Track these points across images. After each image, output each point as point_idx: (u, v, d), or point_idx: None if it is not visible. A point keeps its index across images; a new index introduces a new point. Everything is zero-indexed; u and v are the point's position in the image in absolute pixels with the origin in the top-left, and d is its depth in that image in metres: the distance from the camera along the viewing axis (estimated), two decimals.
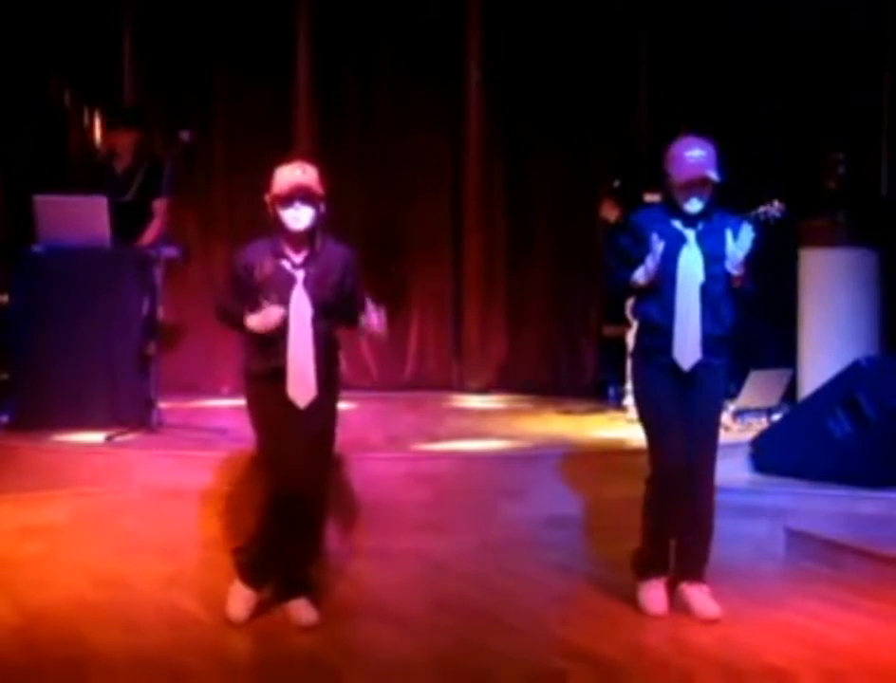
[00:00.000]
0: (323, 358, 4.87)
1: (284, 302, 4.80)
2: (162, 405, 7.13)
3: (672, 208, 5.07)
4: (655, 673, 4.67)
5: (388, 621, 5.10)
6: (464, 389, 9.62)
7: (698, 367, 5.02)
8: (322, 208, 4.86)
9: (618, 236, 5.25)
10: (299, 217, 4.82)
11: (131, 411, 7.06)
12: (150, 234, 7.57)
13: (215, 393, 8.92)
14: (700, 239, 5.03)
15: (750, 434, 7.00)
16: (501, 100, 9.55)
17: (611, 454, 6.80)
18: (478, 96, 9.56)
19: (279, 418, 4.85)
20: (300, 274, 4.85)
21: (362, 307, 4.94)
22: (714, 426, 5.16)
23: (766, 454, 6.74)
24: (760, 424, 7.35)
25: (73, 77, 9.23)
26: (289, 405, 4.84)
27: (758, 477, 6.69)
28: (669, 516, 5.09)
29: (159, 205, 7.51)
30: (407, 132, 9.59)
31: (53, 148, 8.99)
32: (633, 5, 9.31)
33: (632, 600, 5.18)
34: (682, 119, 8.07)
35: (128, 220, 7.45)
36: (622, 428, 7.52)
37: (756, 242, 5.02)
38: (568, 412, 8.29)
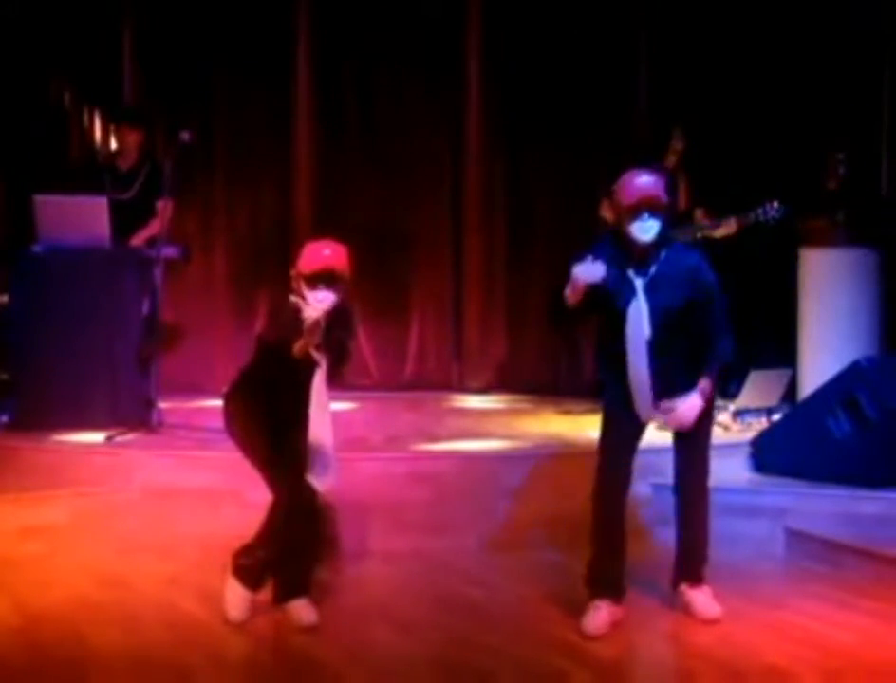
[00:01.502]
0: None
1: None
2: (162, 405, 7.13)
3: (625, 249, 4.88)
4: (655, 673, 4.68)
5: (388, 621, 5.11)
6: (464, 389, 9.62)
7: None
8: (344, 291, 4.91)
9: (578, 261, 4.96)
10: (322, 300, 4.84)
11: (131, 411, 7.06)
12: (147, 231, 7.57)
13: (215, 393, 8.87)
14: (650, 290, 4.85)
15: (750, 434, 7.00)
16: (501, 100, 9.54)
17: None
18: (478, 96, 9.55)
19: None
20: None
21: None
22: (702, 435, 5.05)
23: (766, 454, 6.74)
24: (760, 424, 7.34)
25: (73, 77, 9.23)
26: (297, 409, 4.89)
27: (758, 477, 6.68)
28: (615, 533, 5.01)
29: (162, 205, 7.51)
30: (407, 132, 9.58)
31: (53, 148, 8.99)
32: (633, 5, 9.31)
33: (632, 600, 5.18)
34: (682, 118, 8.09)
35: (128, 218, 7.46)
36: None
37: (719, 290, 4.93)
38: (567, 412, 8.28)
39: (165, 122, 9.00)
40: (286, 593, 5.03)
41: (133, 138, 7.83)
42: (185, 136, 7.01)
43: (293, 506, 4.89)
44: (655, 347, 4.85)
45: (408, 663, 4.66)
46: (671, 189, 4.86)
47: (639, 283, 4.87)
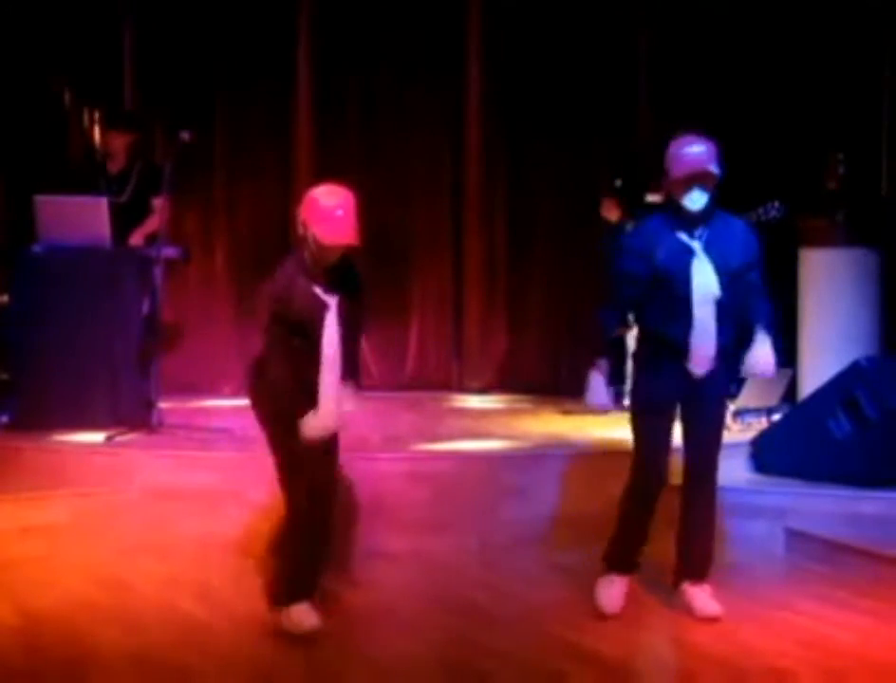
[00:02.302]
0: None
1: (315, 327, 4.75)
2: (162, 405, 7.13)
3: (674, 214, 4.97)
4: (655, 673, 4.68)
5: (389, 621, 5.11)
6: (464, 389, 9.62)
7: (707, 373, 5.00)
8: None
9: (621, 259, 5.07)
10: (336, 255, 4.77)
11: (131, 411, 7.05)
12: (148, 227, 7.56)
13: (216, 393, 8.92)
14: (708, 249, 4.93)
15: (750, 434, 7.00)
16: (501, 99, 9.54)
17: (611, 454, 6.77)
18: (478, 96, 9.55)
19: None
20: (332, 302, 4.79)
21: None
22: (717, 429, 5.15)
23: (766, 454, 6.74)
24: (760, 424, 7.34)
25: (73, 77, 9.22)
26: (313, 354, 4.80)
27: (758, 477, 6.68)
28: (643, 525, 5.15)
29: (158, 203, 7.50)
30: (408, 132, 9.58)
31: (53, 148, 8.99)
32: (633, 5, 9.31)
33: (633, 600, 5.19)
34: (683, 118, 8.08)
35: (124, 221, 7.45)
36: (622, 428, 7.51)
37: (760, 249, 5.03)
38: (568, 412, 8.27)
39: (165, 122, 9.00)
40: (290, 596, 4.94)
41: (120, 142, 7.80)
42: (185, 136, 7.01)
43: (305, 514, 4.81)
44: (721, 308, 4.91)
45: (408, 663, 4.66)
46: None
47: (696, 244, 4.93)
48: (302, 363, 4.75)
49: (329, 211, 4.75)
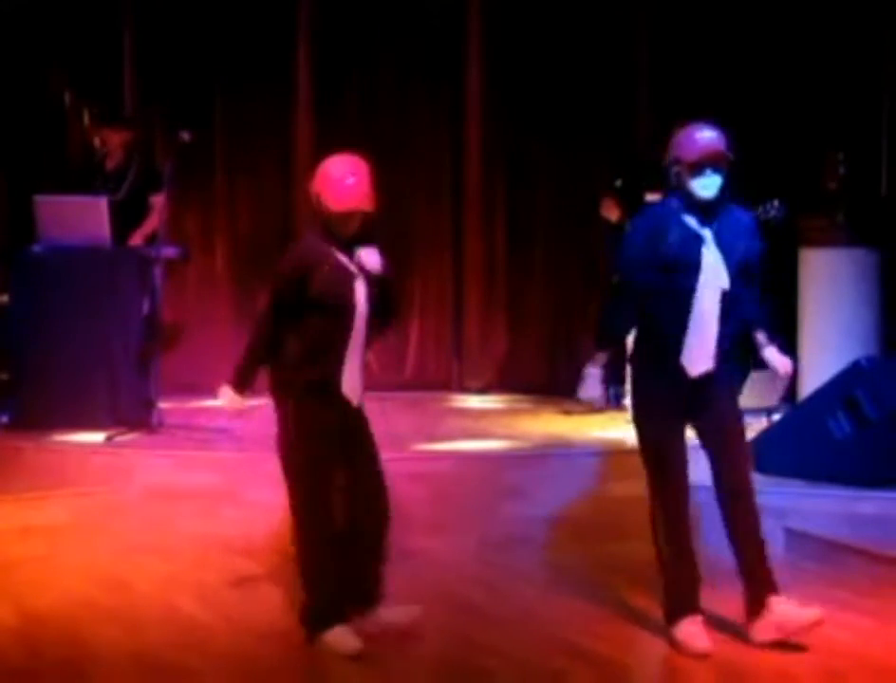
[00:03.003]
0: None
1: (346, 299, 4.62)
2: (162, 405, 7.13)
3: (683, 201, 4.73)
4: (655, 672, 4.68)
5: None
6: (464, 389, 9.62)
7: (706, 376, 4.74)
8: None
9: (628, 245, 4.81)
10: (353, 225, 4.68)
11: (131, 411, 7.06)
12: (148, 226, 7.56)
13: (216, 393, 8.89)
14: (718, 239, 4.72)
15: (750, 434, 6.99)
16: (501, 100, 9.54)
17: (611, 454, 6.79)
18: (479, 97, 9.55)
19: (334, 429, 4.70)
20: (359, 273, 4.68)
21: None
22: (738, 434, 4.89)
23: (766, 454, 6.73)
24: (760, 424, 7.34)
25: (73, 77, 9.22)
26: (343, 414, 4.71)
27: (758, 477, 6.64)
28: (687, 546, 4.78)
29: (156, 200, 7.50)
30: (408, 133, 9.59)
31: (53, 148, 8.99)
32: (633, 5, 9.31)
33: (634, 600, 5.18)
34: (683, 118, 8.06)
35: (121, 219, 7.44)
36: (621, 428, 7.52)
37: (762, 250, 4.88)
38: (568, 412, 8.28)
39: (165, 122, 9.00)
40: (323, 622, 4.71)
41: (116, 139, 7.79)
42: (185, 135, 7.02)
43: (313, 537, 4.69)
44: (727, 301, 4.71)
45: (408, 663, 4.66)
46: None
47: (706, 233, 4.71)
48: (320, 344, 4.61)
49: (340, 178, 4.65)
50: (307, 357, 4.65)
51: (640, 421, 4.87)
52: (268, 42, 9.34)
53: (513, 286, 9.66)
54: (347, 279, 4.67)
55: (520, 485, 6.41)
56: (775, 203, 7.30)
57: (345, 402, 4.71)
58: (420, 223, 9.67)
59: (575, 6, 9.31)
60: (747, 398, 7.47)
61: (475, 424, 7.91)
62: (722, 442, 4.82)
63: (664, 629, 4.80)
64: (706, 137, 4.75)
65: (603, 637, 4.87)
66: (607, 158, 8.88)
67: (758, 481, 6.56)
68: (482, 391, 9.56)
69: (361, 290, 4.70)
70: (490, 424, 7.90)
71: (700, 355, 4.72)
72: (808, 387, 7.50)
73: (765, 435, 6.86)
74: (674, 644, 4.72)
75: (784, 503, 6.28)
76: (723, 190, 4.74)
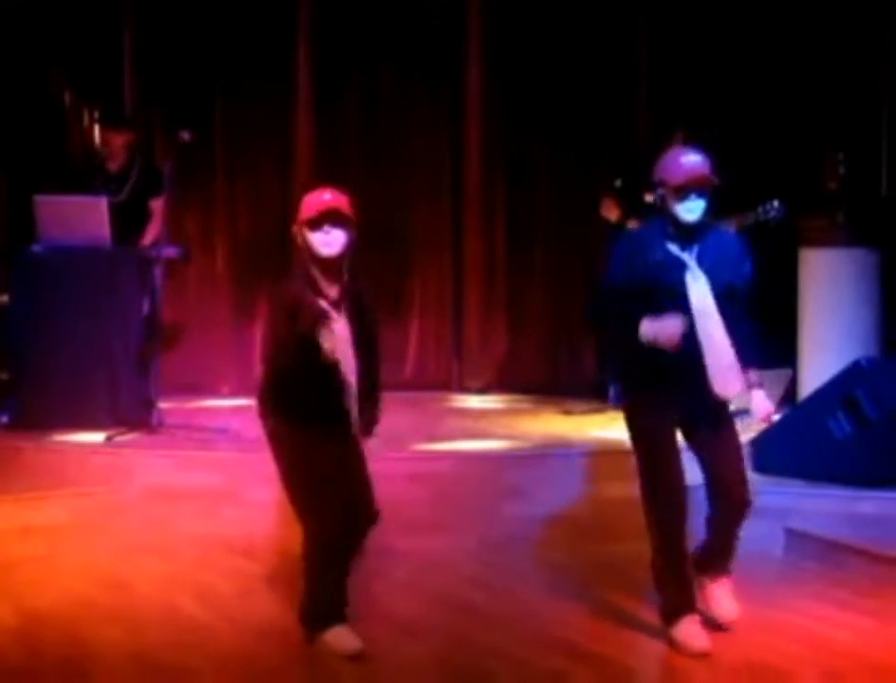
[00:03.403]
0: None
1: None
2: (162, 405, 7.13)
3: (667, 224, 4.76)
4: (655, 673, 4.67)
5: (388, 621, 5.10)
6: (464, 389, 9.62)
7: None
8: (353, 234, 4.66)
9: (610, 272, 4.82)
10: (330, 242, 4.64)
11: (131, 411, 7.06)
12: (150, 234, 7.57)
13: (216, 393, 8.92)
14: (701, 263, 4.74)
15: (750, 434, 6.99)
16: (501, 100, 9.54)
17: (611, 454, 6.78)
18: (479, 97, 9.55)
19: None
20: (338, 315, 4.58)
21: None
22: (737, 449, 4.92)
23: (766, 454, 6.74)
24: (760, 424, 7.33)
25: (73, 77, 9.22)
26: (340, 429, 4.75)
27: (758, 477, 6.67)
28: (683, 546, 4.78)
29: (157, 204, 7.51)
30: (408, 134, 9.58)
31: (53, 148, 8.99)
32: (633, 5, 9.31)
33: (634, 600, 5.18)
34: (683, 118, 8.08)
35: (123, 220, 7.44)
36: (621, 428, 7.51)
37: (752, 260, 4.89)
38: (568, 412, 8.28)
39: (165, 122, 9.00)
40: (323, 621, 4.72)
41: (119, 141, 7.79)
42: (185, 135, 7.01)
43: (334, 538, 4.67)
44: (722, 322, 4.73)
45: (408, 663, 4.66)
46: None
47: (687, 256, 4.74)
48: (317, 381, 4.55)
49: (315, 199, 4.71)
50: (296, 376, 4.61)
51: (634, 421, 4.92)
52: (268, 42, 9.34)
53: (513, 286, 9.66)
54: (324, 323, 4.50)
55: (520, 485, 6.41)
56: (775, 203, 7.30)
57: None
58: (419, 223, 9.67)
59: (575, 6, 9.31)
60: (747, 398, 7.48)
61: (475, 424, 7.91)
62: (723, 453, 4.86)
63: (664, 629, 4.80)
64: (691, 161, 4.78)
65: (603, 637, 4.87)
66: (607, 158, 8.88)
67: (758, 481, 6.61)
68: (482, 391, 9.56)
69: (342, 336, 4.56)
70: (490, 424, 7.90)
71: (729, 378, 4.80)
72: (808, 387, 7.50)
73: (765, 435, 6.85)
74: (673, 644, 4.73)
75: (784, 503, 6.29)
76: (708, 213, 4.78)
